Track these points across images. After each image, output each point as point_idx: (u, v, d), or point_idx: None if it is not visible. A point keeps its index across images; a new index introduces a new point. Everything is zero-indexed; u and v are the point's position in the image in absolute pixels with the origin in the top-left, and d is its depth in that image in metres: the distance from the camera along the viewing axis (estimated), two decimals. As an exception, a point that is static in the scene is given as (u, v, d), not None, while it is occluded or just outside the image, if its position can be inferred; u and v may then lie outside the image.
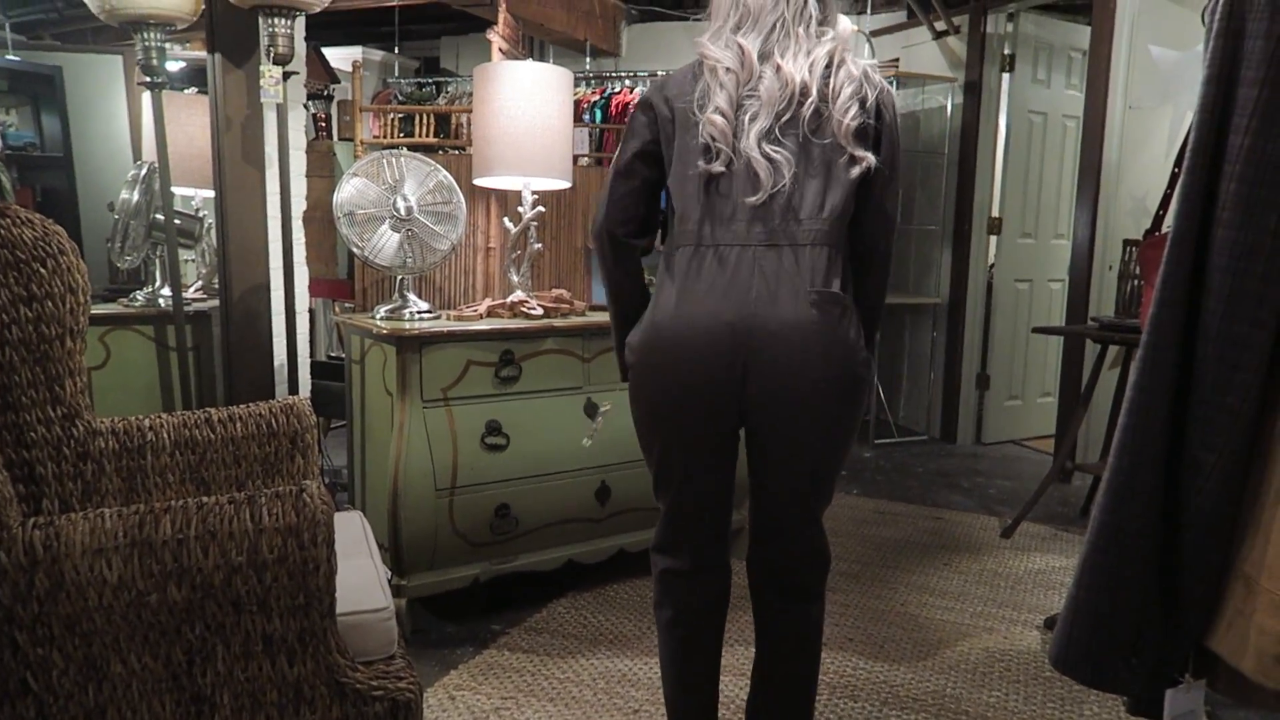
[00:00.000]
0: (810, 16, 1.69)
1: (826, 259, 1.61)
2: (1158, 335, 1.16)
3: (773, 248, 1.62)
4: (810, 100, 1.63)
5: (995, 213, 5.07)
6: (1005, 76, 4.97)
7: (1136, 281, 3.50)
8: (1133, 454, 1.20)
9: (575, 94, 4.55)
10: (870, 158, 1.62)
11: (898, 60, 5.17)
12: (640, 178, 1.78)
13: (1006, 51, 4.91)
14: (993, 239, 5.10)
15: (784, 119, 1.64)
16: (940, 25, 4.93)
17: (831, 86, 1.65)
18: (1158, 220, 3.52)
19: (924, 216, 5.26)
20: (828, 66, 1.65)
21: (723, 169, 1.64)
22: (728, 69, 1.66)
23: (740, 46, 1.66)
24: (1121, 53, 4.18)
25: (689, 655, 1.81)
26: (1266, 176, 1.08)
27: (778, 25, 1.69)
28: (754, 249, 1.62)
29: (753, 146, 1.62)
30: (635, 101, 1.81)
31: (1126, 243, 3.67)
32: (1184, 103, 4.14)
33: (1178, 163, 3.51)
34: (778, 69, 1.65)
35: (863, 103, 1.63)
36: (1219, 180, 1.12)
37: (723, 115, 1.64)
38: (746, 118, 1.64)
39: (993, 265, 5.14)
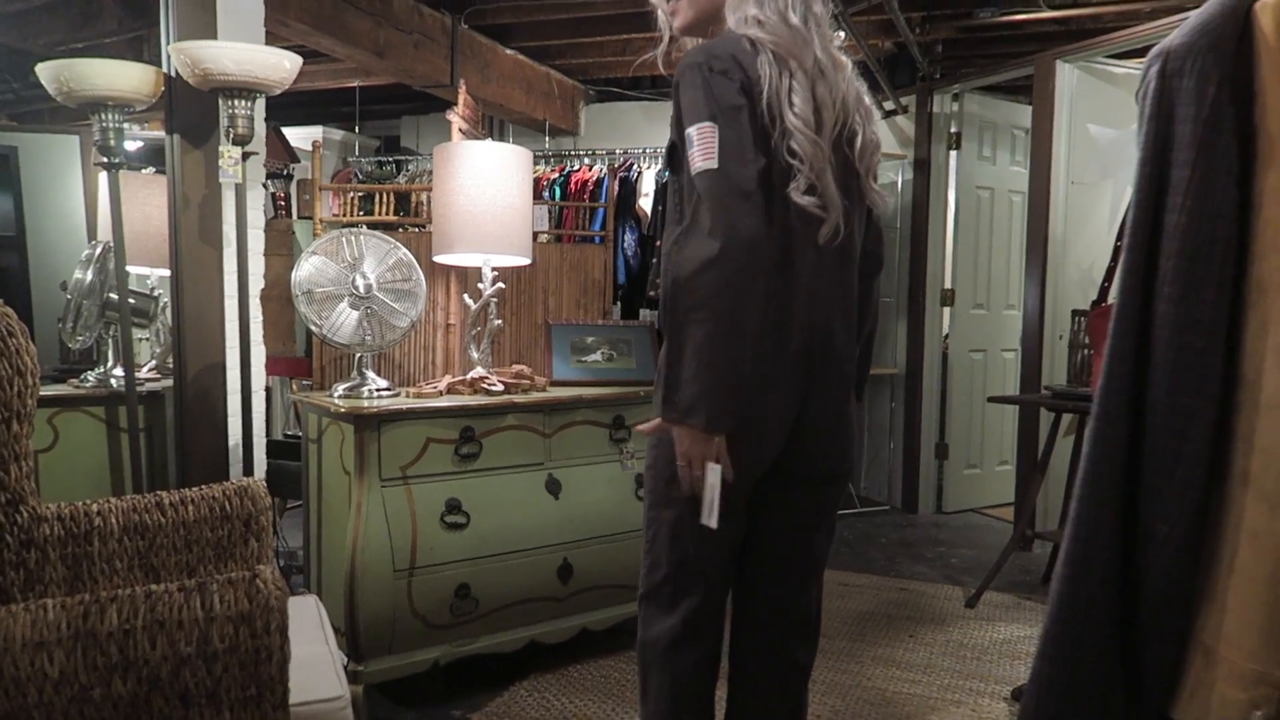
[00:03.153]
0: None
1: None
2: (1107, 407, 1.19)
3: (838, 307, 1.53)
4: (849, 119, 1.50)
5: (948, 284, 5.18)
6: (953, 154, 5.12)
7: (1086, 351, 3.58)
8: (1088, 525, 1.22)
9: (535, 172, 4.61)
10: (886, 198, 1.56)
11: (849, 138, 5.31)
12: (762, 159, 1.40)
13: (953, 130, 5.08)
14: (946, 310, 5.20)
15: (833, 138, 1.47)
16: (889, 105, 5.09)
17: (864, 103, 1.53)
18: (1103, 291, 3.62)
19: (879, 289, 5.35)
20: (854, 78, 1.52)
21: (810, 201, 1.42)
22: (799, 63, 1.42)
23: (800, 31, 1.44)
24: (1062, 131, 4.34)
25: None
26: (1202, 252, 1.12)
27: (820, 7, 1.51)
28: (825, 306, 1.51)
29: (828, 172, 1.44)
30: (691, 62, 1.42)
31: (1075, 313, 3.76)
32: (1123, 178, 4.30)
33: (1120, 235, 3.63)
34: (821, 72, 1.46)
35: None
36: (1158, 256, 1.16)
37: (805, 124, 1.40)
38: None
39: (947, 336, 5.23)
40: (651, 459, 1.62)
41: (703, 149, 1.37)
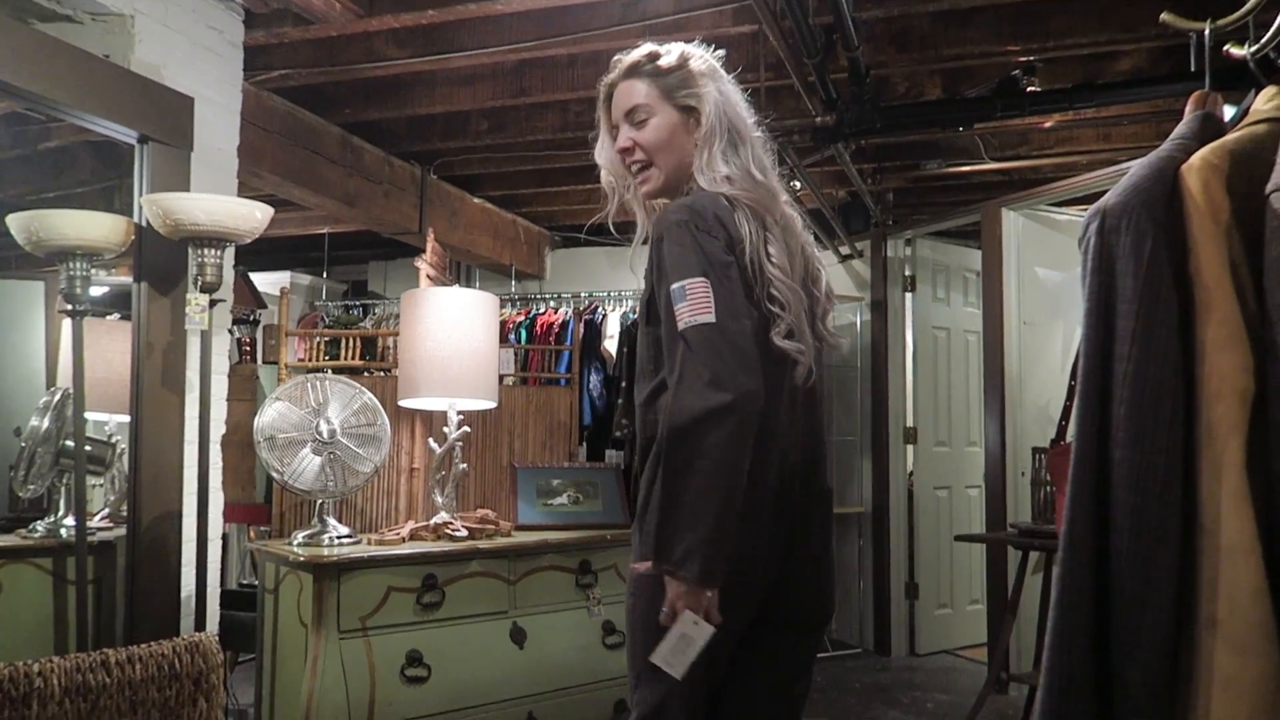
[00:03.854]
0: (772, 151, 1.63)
1: None
2: (1072, 553, 1.20)
3: (810, 447, 1.56)
4: (810, 264, 1.58)
5: (910, 422, 5.24)
6: (908, 296, 5.27)
7: (1049, 488, 3.61)
8: (1062, 674, 1.20)
9: (501, 315, 4.68)
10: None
11: (808, 281, 5.47)
12: (754, 312, 1.46)
13: (907, 273, 5.25)
14: (910, 448, 5.24)
15: (801, 284, 1.55)
16: (845, 250, 5.27)
17: (814, 250, 1.62)
18: (1061, 430, 3.68)
19: (843, 428, 5.40)
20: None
21: (791, 346, 1.47)
22: (771, 216, 1.51)
23: (765, 184, 1.54)
24: (1011, 274, 4.50)
25: None
26: (1150, 399, 1.16)
27: (770, 162, 1.60)
28: (800, 448, 1.54)
29: (804, 317, 1.51)
30: (676, 219, 1.46)
31: (1035, 450, 3.80)
32: (1073, 318, 4.45)
33: (1073, 374, 3.72)
34: (786, 222, 1.56)
35: None
36: (1110, 402, 1.19)
37: (784, 272, 1.47)
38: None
39: (912, 473, 5.25)
40: (631, 604, 1.59)
41: (694, 304, 1.39)
